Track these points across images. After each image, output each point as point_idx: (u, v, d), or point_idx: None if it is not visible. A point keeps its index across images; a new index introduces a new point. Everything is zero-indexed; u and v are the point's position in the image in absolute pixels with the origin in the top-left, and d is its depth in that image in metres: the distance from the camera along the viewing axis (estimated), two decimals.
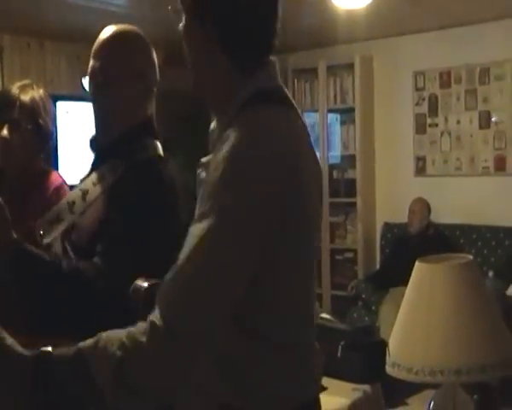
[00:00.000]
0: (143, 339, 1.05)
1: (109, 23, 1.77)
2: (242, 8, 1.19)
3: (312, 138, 1.28)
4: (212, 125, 1.32)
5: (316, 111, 5.79)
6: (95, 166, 1.75)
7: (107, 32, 1.73)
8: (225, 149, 1.11)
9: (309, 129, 1.27)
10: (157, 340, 1.05)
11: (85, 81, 1.73)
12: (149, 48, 1.76)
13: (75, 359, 1.07)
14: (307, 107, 5.80)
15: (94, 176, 1.71)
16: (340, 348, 2.26)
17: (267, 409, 1.21)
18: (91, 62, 1.72)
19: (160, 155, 1.75)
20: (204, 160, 1.25)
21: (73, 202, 1.70)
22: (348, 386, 2.32)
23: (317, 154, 1.40)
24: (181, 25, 1.24)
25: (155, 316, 1.06)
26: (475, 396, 3.78)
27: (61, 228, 1.69)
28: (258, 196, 1.11)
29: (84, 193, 1.69)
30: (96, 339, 1.08)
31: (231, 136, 1.11)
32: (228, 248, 1.09)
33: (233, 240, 1.10)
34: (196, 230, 1.10)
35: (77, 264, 1.59)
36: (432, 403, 2.22)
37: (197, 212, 1.13)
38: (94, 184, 1.69)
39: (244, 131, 1.12)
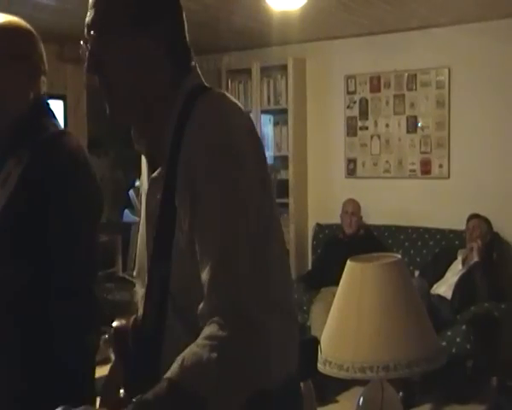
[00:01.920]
0: (225, 333, 1.04)
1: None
2: (179, 9, 1.24)
3: None
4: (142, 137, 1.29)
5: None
6: None
7: None
8: (203, 134, 1.12)
9: None
10: (241, 332, 1.05)
11: None
12: (33, 35, 1.73)
13: (171, 390, 1.01)
14: None
15: (0, 177, 1.66)
16: None
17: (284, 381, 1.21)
18: None
19: (62, 130, 1.74)
20: (156, 174, 1.23)
21: None
22: None
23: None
24: (100, 45, 1.19)
25: (224, 310, 1.06)
26: (401, 393, 3.91)
27: None
28: (255, 160, 1.16)
29: None
30: (178, 362, 1.03)
31: (199, 123, 1.14)
32: (256, 220, 1.12)
33: (255, 210, 1.13)
34: (213, 219, 1.09)
35: None
36: (361, 399, 2.27)
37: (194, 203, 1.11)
38: (2, 186, 1.63)
39: (212, 111, 1.16)
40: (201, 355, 1.03)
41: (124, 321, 1.22)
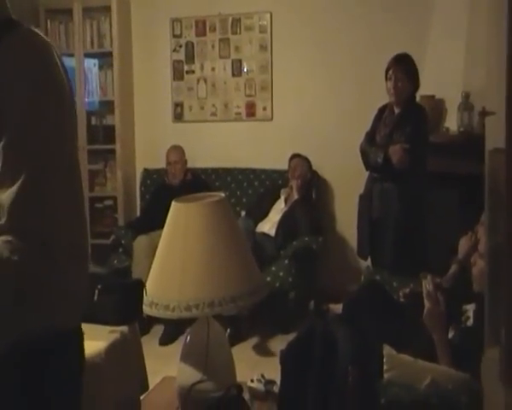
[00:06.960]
0: (22, 248, 1.08)
1: None
2: None
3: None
4: None
5: (72, 55, 5.54)
6: None
7: None
8: (19, 73, 1.14)
9: None
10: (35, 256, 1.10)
11: None
12: None
13: None
14: (62, 50, 5.48)
15: None
16: (96, 292, 2.25)
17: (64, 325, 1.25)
18: None
19: None
20: None
21: None
22: (105, 329, 2.33)
23: (75, 99, 1.45)
24: None
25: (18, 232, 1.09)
26: (228, 329, 4.08)
27: None
28: (67, 96, 1.23)
29: None
30: None
31: (13, 53, 1.15)
32: (62, 153, 1.19)
33: (63, 143, 1.19)
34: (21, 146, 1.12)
35: None
36: (188, 337, 2.34)
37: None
38: None
39: (25, 43, 1.18)
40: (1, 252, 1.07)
41: None
